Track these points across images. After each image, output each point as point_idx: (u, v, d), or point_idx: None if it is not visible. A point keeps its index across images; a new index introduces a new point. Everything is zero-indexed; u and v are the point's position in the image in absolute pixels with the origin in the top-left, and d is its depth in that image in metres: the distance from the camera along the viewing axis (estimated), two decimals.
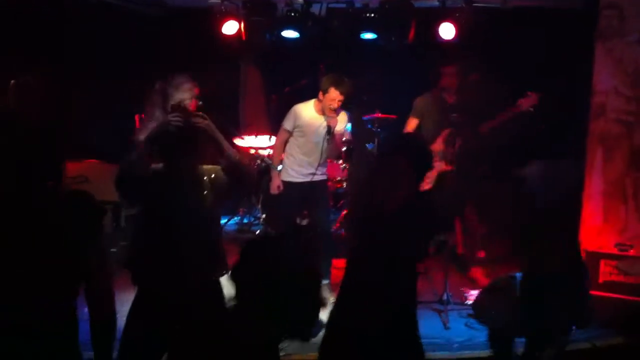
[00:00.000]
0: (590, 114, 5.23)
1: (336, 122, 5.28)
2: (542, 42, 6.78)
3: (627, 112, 5.14)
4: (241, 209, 7.64)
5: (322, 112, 5.30)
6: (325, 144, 5.28)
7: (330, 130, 5.24)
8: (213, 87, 8.22)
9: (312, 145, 5.37)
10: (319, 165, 5.39)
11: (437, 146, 5.55)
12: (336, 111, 5.28)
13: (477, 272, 5.64)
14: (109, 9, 7.50)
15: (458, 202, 5.66)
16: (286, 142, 5.51)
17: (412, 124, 5.81)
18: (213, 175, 3.29)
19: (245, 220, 7.63)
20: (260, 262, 2.03)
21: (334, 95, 5.18)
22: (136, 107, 8.31)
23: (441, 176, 5.51)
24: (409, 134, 5.27)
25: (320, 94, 5.28)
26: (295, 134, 5.45)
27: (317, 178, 5.47)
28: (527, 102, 5.27)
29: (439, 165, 5.50)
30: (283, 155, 5.59)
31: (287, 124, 5.45)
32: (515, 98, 5.46)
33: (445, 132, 5.56)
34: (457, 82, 5.65)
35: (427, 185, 5.40)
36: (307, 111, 5.39)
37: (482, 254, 5.81)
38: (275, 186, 5.53)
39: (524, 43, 6.88)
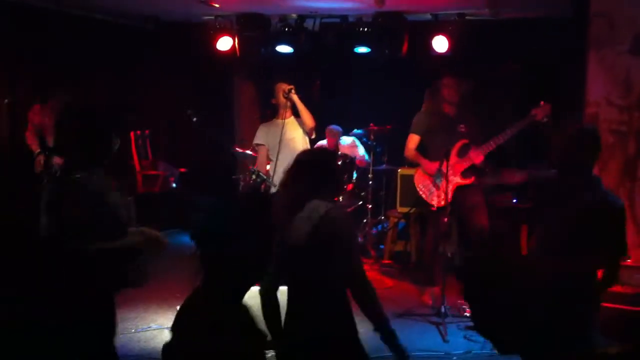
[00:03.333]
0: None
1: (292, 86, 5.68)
2: (534, 52, 6.83)
3: (619, 122, 5.17)
4: None
5: (282, 115, 5.70)
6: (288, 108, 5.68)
7: (290, 90, 5.64)
8: (208, 102, 8.29)
9: (288, 150, 5.54)
10: None
11: (452, 160, 5.44)
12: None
13: None
14: (103, 25, 7.54)
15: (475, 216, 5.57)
16: (267, 157, 5.78)
17: (414, 141, 5.70)
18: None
19: None
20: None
21: (281, 88, 5.74)
22: (130, 123, 8.36)
23: (459, 190, 5.47)
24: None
25: (274, 101, 5.82)
26: (270, 149, 5.71)
27: None
28: (541, 112, 5.17)
29: (454, 180, 5.45)
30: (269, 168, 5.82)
31: (257, 139, 5.87)
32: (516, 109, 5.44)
33: (458, 144, 5.50)
34: (458, 92, 5.56)
35: (442, 201, 5.40)
36: (270, 123, 5.86)
37: None
38: None
39: (516, 54, 6.94)
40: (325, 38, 7.27)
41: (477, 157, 5.43)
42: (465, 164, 5.47)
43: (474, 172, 5.51)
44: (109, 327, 2.87)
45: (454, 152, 5.48)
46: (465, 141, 5.49)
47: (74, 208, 2.68)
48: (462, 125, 5.46)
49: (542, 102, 5.22)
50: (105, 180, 2.95)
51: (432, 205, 5.49)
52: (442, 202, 5.39)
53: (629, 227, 5.10)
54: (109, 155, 3.00)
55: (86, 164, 2.83)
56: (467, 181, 5.50)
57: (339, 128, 7.49)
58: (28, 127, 6.05)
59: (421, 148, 5.68)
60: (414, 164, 6.36)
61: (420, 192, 5.59)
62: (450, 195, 5.38)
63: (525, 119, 5.27)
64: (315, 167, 2.89)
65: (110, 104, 6.29)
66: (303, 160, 2.95)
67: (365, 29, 7.05)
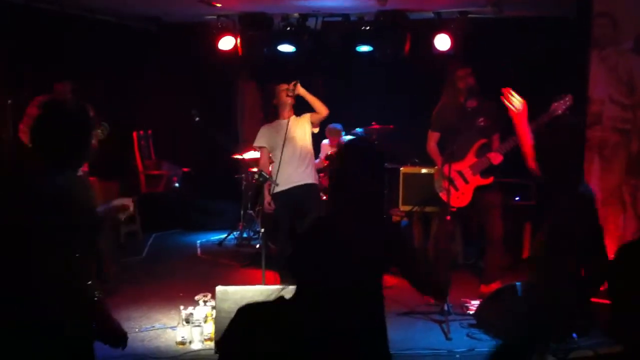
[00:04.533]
0: (586, 122, 5.24)
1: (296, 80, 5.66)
2: (537, 50, 6.83)
3: (623, 120, 5.16)
4: (241, 224, 7.64)
5: (283, 115, 5.67)
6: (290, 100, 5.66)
7: (295, 85, 5.61)
8: (211, 102, 8.31)
9: (291, 148, 5.56)
10: (302, 159, 5.66)
11: (470, 160, 5.40)
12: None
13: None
14: (106, 26, 7.56)
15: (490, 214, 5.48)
16: (270, 158, 5.75)
17: (433, 138, 5.60)
18: None
19: (244, 235, 7.63)
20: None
21: (282, 88, 5.69)
22: (133, 123, 8.37)
23: (478, 191, 5.40)
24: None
25: (275, 101, 5.78)
26: (274, 149, 5.66)
27: (303, 181, 5.62)
28: (562, 106, 4.98)
29: (474, 180, 5.41)
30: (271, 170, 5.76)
31: (258, 142, 5.82)
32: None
33: (477, 144, 5.41)
34: (474, 83, 5.38)
35: (464, 202, 5.37)
36: (272, 124, 5.80)
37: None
38: (266, 203, 5.69)
39: (519, 52, 6.93)
40: (328, 37, 7.28)
41: (495, 158, 5.30)
42: (484, 165, 5.40)
43: (493, 172, 5.42)
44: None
45: (472, 151, 5.40)
46: (484, 141, 5.42)
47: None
48: (481, 119, 5.39)
49: (563, 95, 5.10)
50: (77, 181, 2.87)
51: (452, 207, 5.38)
52: (462, 203, 5.36)
53: (631, 225, 5.14)
54: (84, 157, 2.89)
55: (59, 166, 2.74)
56: (487, 181, 5.41)
57: (339, 126, 7.46)
58: (23, 120, 5.85)
59: (443, 144, 5.54)
60: (418, 163, 6.33)
61: (440, 193, 5.48)
62: (470, 196, 5.35)
63: (546, 115, 5.10)
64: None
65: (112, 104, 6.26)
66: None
67: (368, 28, 7.07)
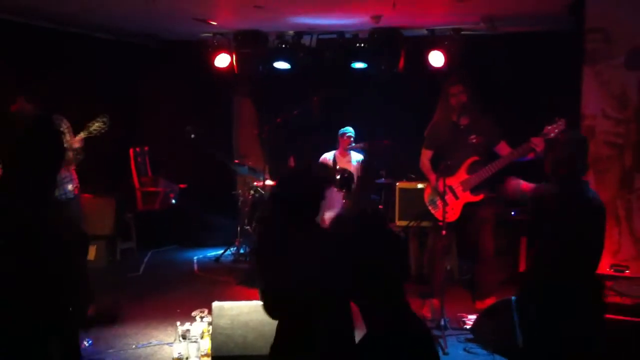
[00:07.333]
0: None
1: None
2: (531, 66, 6.88)
3: (616, 134, 5.21)
4: (237, 240, 7.64)
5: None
6: None
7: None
8: (207, 119, 8.34)
9: None
10: None
11: (461, 176, 5.43)
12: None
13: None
14: (104, 43, 7.61)
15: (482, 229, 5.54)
16: None
17: (425, 155, 5.65)
18: None
19: (241, 251, 7.62)
20: None
21: None
22: (130, 140, 8.39)
23: (468, 207, 5.43)
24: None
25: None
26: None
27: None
28: (554, 129, 4.97)
29: (464, 196, 5.44)
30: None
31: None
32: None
33: (469, 161, 5.44)
34: (466, 100, 5.39)
35: (453, 217, 5.39)
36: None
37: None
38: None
39: (513, 68, 6.98)
40: (322, 54, 7.32)
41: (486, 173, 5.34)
42: (475, 181, 5.41)
43: (484, 188, 5.44)
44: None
45: (463, 168, 5.44)
46: (475, 158, 5.45)
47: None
48: (472, 137, 5.43)
49: (556, 118, 5.11)
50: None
51: (440, 220, 5.41)
52: (451, 218, 5.38)
53: (626, 239, 5.17)
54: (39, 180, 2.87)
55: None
56: (477, 198, 5.44)
57: (349, 130, 7.21)
58: None
59: (436, 161, 5.57)
60: (414, 179, 6.36)
61: (430, 207, 5.56)
62: (458, 212, 5.38)
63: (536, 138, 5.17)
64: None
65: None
66: None
67: (362, 45, 7.11)
